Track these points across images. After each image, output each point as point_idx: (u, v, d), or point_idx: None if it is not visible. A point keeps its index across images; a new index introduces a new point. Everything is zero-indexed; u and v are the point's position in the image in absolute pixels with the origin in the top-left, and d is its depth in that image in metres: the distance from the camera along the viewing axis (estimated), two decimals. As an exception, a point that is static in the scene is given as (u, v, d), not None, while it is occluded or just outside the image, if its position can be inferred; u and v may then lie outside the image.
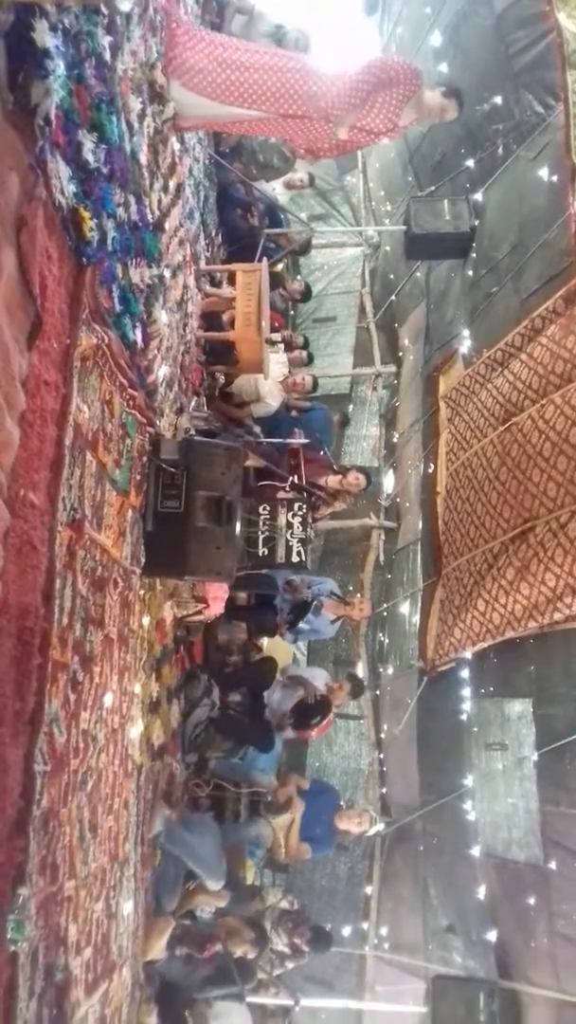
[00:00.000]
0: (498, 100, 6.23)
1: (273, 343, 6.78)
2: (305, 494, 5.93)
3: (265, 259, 6.40)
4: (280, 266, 8.21)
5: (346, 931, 7.28)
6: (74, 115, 2.62)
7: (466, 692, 6.04)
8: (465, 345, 7.04)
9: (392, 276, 9.61)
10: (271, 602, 6.68)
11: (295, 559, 5.19)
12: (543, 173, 5.78)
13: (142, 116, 3.66)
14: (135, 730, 3.85)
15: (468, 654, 5.95)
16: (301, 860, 6.44)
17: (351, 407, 9.79)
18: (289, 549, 5.17)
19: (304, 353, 8.09)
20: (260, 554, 5.15)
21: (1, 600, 2.15)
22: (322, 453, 6.83)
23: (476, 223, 6.92)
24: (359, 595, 8.20)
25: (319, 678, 6.57)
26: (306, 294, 8.74)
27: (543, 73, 5.70)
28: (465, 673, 6.08)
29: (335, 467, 6.85)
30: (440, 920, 6.22)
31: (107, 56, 3.01)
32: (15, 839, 2.27)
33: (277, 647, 7.32)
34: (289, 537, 5.17)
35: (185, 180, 5.05)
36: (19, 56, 2.12)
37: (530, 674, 5.30)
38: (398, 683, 7.68)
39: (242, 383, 6.72)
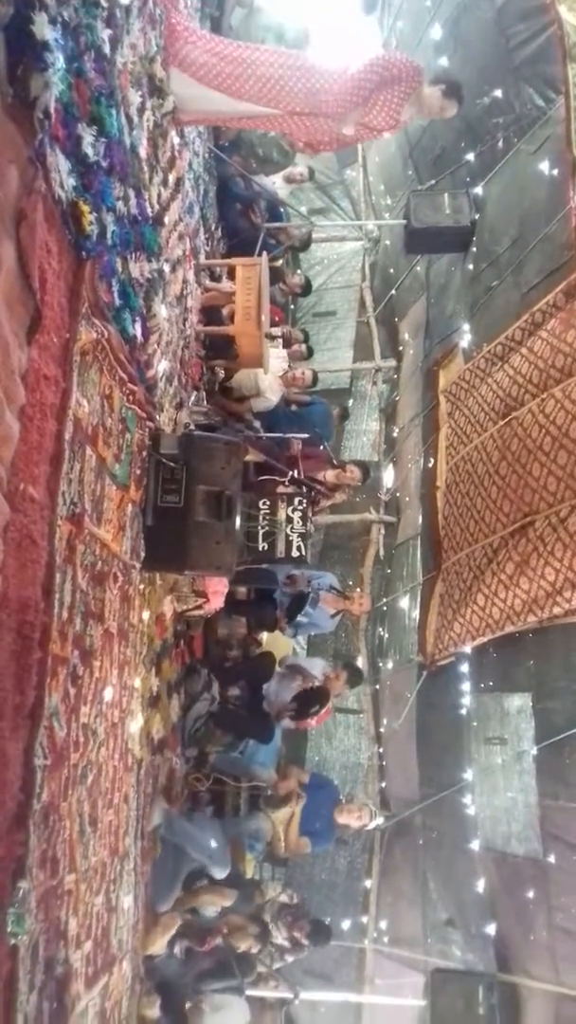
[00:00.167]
0: (498, 93, 6.22)
1: (273, 338, 6.77)
2: (305, 489, 5.93)
3: (265, 253, 6.39)
4: (280, 261, 8.20)
5: (345, 925, 7.31)
6: (73, 108, 2.61)
7: (465, 686, 6.05)
8: (465, 339, 7.03)
9: (392, 270, 9.60)
10: (271, 597, 6.68)
11: (295, 554, 5.20)
12: (544, 167, 5.77)
13: (142, 110, 3.65)
14: (135, 724, 3.86)
15: (467, 648, 5.96)
16: (301, 854, 6.44)
17: (351, 401, 9.79)
18: (289, 544, 5.18)
19: (304, 347, 8.09)
20: (260, 549, 5.15)
21: (1, 594, 2.15)
22: (322, 448, 6.82)
23: (476, 217, 6.91)
24: (359, 589, 8.19)
25: (317, 667, 6.58)
26: (306, 288, 8.73)
27: (544, 66, 5.68)
28: (464, 667, 6.09)
29: (334, 461, 6.85)
30: (439, 914, 6.24)
31: (106, 49, 3.00)
32: (15, 833, 2.28)
33: (276, 641, 7.32)
34: (289, 532, 5.18)
35: (185, 174, 5.04)
36: (18, 49, 2.12)
37: (529, 668, 5.30)
38: (398, 677, 7.69)
39: (242, 378, 6.71)
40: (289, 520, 5.18)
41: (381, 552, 8.68)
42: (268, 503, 5.25)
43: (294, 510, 5.22)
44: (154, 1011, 4.19)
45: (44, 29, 2.17)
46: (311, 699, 6.18)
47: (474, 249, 7.01)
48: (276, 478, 5.77)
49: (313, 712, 6.20)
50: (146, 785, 4.14)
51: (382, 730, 8.05)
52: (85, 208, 2.66)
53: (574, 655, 4.93)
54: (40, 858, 2.46)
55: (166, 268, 4.39)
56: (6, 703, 2.20)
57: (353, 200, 10.50)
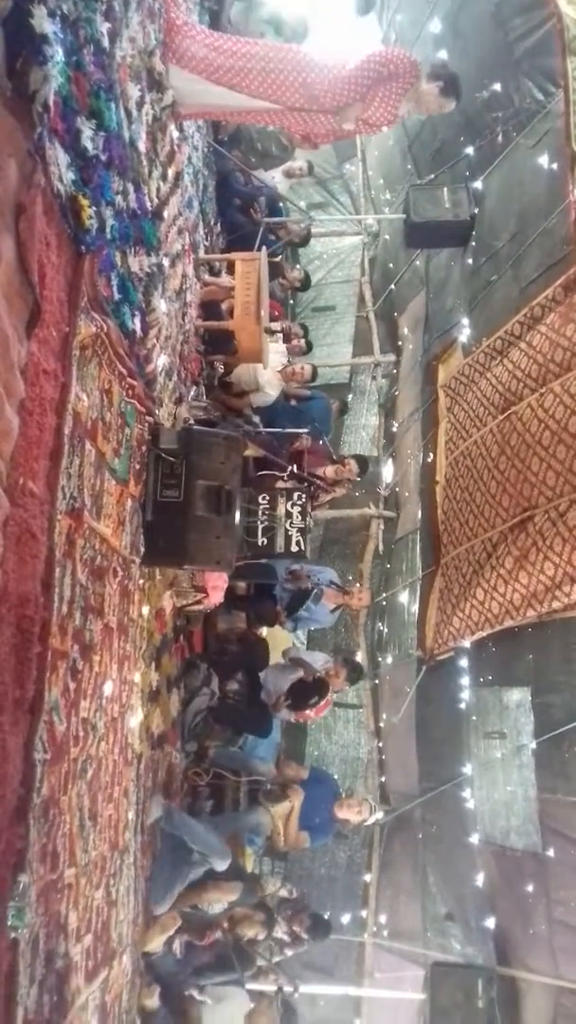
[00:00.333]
0: (498, 87, 6.20)
1: (272, 333, 6.77)
2: (304, 483, 5.93)
3: (264, 248, 6.38)
4: (279, 256, 8.18)
5: (345, 919, 7.33)
6: (72, 102, 2.61)
7: (465, 681, 6.06)
8: (464, 334, 7.03)
9: (391, 265, 9.58)
10: (271, 591, 6.69)
11: (294, 548, 5.20)
12: (543, 161, 5.75)
13: (141, 103, 3.64)
14: (135, 719, 3.86)
15: (467, 643, 5.97)
16: (300, 848, 6.45)
17: (350, 396, 9.78)
18: (288, 538, 5.18)
19: (303, 342, 8.08)
20: (259, 543, 5.16)
21: (1, 588, 2.15)
22: (321, 443, 6.83)
23: (476, 211, 6.90)
24: (358, 584, 8.21)
25: (319, 661, 6.58)
26: (305, 283, 8.71)
27: (543, 60, 5.66)
28: (464, 662, 6.09)
29: (334, 457, 6.85)
30: (439, 907, 6.26)
31: (105, 43, 3.00)
32: (15, 827, 2.28)
33: (276, 636, 7.33)
34: (288, 527, 5.18)
35: (184, 168, 5.03)
36: (18, 42, 2.11)
37: (528, 663, 5.31)
38: (397, 672, 7.70)
39: (241, 372, 6.70)
40: (288, 515, 5.19)
41: (380, 547, 8.68)
42: (267, 498, 5.25)
43: (293, 505, 5.22)
44: (153, 1000, 4.19)
45: (43, 22, 2.17)
46: (309, 690, 6.18)
47: (473, 243, 6.99)
48: (276, 473, 5.78)
49: (312, 703, 6.21)
50: (146, 779, 4.15)
51: (381, 725, 8.06)
52: (84, 202, 2.66)
53: (573, 649, 4.94)
54: (40, 852, 2.47)
55: (165, 263, 4.39)
56: (6, 697, 2.20)
57: (352, 195, 10.49)
